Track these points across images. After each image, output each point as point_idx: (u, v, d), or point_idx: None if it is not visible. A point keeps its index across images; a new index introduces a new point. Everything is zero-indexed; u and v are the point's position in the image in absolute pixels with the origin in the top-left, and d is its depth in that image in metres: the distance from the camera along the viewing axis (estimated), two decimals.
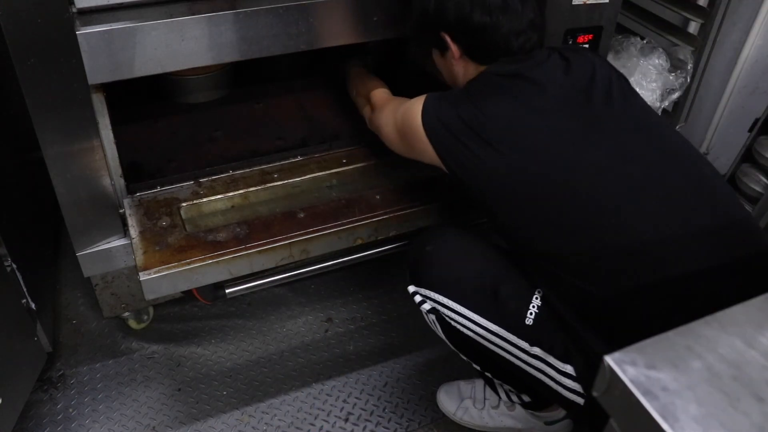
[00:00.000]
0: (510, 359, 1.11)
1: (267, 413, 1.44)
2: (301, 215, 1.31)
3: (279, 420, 1.43)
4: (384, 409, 1.46)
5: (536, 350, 1.07)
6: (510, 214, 1.07)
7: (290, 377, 1.53)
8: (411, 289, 1.20)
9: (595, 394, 0.54)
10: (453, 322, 1.15)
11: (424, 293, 1.18)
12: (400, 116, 1.19)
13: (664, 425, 0.47)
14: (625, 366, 0.51)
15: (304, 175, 1.46)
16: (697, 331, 0.55)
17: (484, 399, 1.42)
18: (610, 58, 1.81)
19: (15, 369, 1.27)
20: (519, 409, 1.37)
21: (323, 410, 1.45)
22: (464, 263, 1.17)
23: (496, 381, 1.32)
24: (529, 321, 1.07)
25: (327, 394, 1.49)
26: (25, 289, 1.33)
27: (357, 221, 1.29)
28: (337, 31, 1.31)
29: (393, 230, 1.35)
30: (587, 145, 1.03)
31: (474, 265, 1.16)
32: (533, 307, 1.08)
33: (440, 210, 1.38)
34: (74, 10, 1.12)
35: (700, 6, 1.92)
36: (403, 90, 1.37)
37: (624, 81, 1.15)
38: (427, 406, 1.47)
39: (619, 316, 0.98)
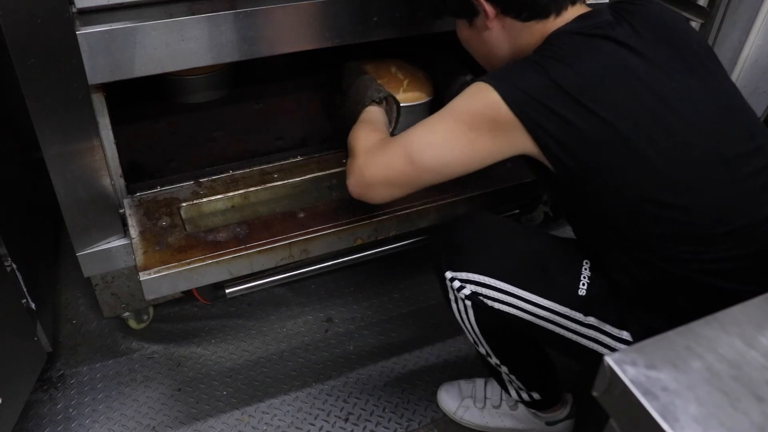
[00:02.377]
0: (562, 333, 1.08)
1: (267, 413, 1.44)
2: (301, 215, 1.31)
3: (279, 420, 1.43)
4: (384, 409, 1.46)
5: (591, 319, 1.06)
6: (606, 193, 0.97)
7: (290, 377, 1.53)
8: (449, 275, 1.13)
9: (594, 394, 0.54)
10: (498, 304, 1.10)
11: (464, 277, 1.12)
12: (452, 124, 0.96)
13: (664, 425, 0.47)
14: (625, 366, 0.51)
15: (304, 175, 1.46)
16: (697, 331, 0.55)
17: (485, 398, 1.41)
18: None
19: (15, 369, 1.27)
20: (521, 408, 1.37)
21: (323, 410, 1.46)
22: (506, 243, 1.14)
23: (508, 377, 1.30)
24: (581, 292, 1.06)
25: (327, 394, 1.49)
26: (25, 289, 1.33)
27: (357, 221, 1.29)
28: (337, 31, 1.31)
29: (393, 230, 1.35)
30: (688, 113, 0.95)
31: (517, 244, 1.14)
32: (584, 278, 1.07)
33: (439, 209, 1.38)
34: (74, 10, 1.12)
35: (700, 6, 1.92)
36: None
37: (687, 26, 1.06)
38: (427, 406, 1.47)
39: (687, 296, 0.98)
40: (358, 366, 1.56)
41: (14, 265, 1.29)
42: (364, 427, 1.42)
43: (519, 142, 0.95)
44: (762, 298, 0.59)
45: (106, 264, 1.39)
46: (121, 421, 1.42)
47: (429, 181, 1.03)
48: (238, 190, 1.42)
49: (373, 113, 1.28)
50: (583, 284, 1.07)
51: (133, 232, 1.27)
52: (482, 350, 1.23)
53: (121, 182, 1.34)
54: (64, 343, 1.59)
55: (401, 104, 1.37)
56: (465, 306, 1.16)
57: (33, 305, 1.36)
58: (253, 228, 1.27)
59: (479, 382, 1.44)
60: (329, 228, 1.28)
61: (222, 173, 1.47)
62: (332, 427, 1.42)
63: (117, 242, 1.37)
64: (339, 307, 1.72)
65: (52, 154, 1.21)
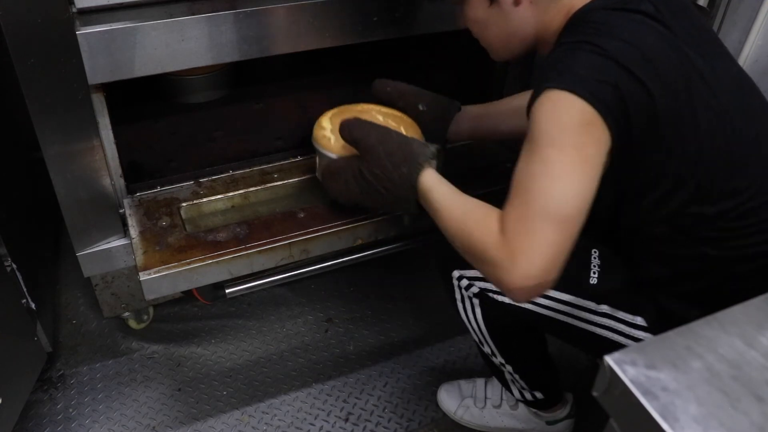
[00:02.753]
0: (576, 324, 1.08)
1: (267, 413, 1.44)
2: (301, 215, 1.31)
3: (279, 420, 1.43)
4: (384, 409, 1.46)
5: (604, 308, 1.05)
6: (662, 166, 0.91)
7: (290, 377, 1.53)
8: (456, 273, 1.12)
9: (594, 394, 0.54)
10: (507, 300, 1.09)
11: (472, 274, 1.11)
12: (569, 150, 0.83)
13: (664, 425, 0.47)
14: (625, 366, 0.51)
15: (304, 175, 1.46)
16: (697, 331, 0.55)
17: (485, 398, 1.41)
18: None
19: (15, 369, 1.27)
20: (522, 408, 1.37)
21: (323, 410, 1.46)
22: None
23: (512, 376, 1.29)
24: (593, 281, 1.05)
25: (327, 394, 1.49)
26: (25, 289, 1.33)
27: (357, 221, 1.29)
28: (336, 31, 1.31)
29: (393, 230, 1.35)
30: (720, 90, 0.93)
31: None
32: (594, 266, 1.06)
33: None
34: (74, 10, 1.12)
35: (700, 6, 1.92)
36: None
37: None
38: (427, 406, 1.47)
39: (725, 281, 0.97)
40: (358, 366, 1.56)
41: (14, 265, 1.29)
42: (364, 427, 1.42)
43: (603, 134, 0.85)
44: (762, 299, 0.59)
45: (106, 264, 1.39)
46: (121, 421, 1.42)
47: (581, 225, 0.86)
48: (238, 190, 1.42)
49: (435, 178, 1.03)
50: (594, 273, 1.06)
51: (133, 232, 1.27)
52: (487, 349, 1.23)
53: (121, 182, 1.34)
54: (64, 343, 1.59)
55: None
56: (472, 304, 1.15)
57: (33, 305, 1.36)
58: (253, 228, 1.27)
59: (479, 381, 1.44)
60: (329, 228, 1.28)
61: (222, 173, 1.47)
62: (332, 427, 1.42)
63: (117, 242, 1.37)
64: (339, 307, 1.72)
65: (52, 154, 1.21)
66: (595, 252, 1.08)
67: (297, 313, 1.70)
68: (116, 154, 1.29)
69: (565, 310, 1.07)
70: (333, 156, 1.22)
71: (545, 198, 0.83)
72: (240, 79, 1.89)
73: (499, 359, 1.24)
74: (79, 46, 1.10)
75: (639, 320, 1.04)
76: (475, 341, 1.24)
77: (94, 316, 1.65)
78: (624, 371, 0.51)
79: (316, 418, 1.44)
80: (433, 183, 1.01)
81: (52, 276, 1.74)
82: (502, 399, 1.40)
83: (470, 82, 1.90)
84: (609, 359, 0.52)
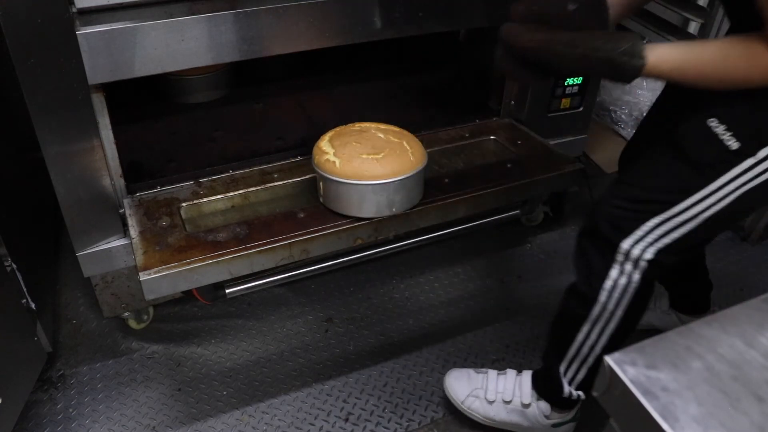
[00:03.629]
0: (751, 186, 1.04)
1: (267, 413, 1.44)
2: (301, 215, 1.31)
3: (279, 420, 1.43)
4: (384, 409, 1.46)
5: (761, 153, 1.01)
6: None
7: (290, 377, 1.53)
8: (625, 245, 1.08)
9: (595, 394, 0.54)
10: (683, 228, 1.06)
11: (638, 235, 1.08)
12: None
13: (664, 425, 0.47)
14: (625, 366, 0.51)
15: (304, 175, 1.46)
16: (697, 331, 0.55)
17: (497, 392, 1.40)
18: None
19: (15, 369, 1.27)
20: (534, 408, 1.36)
21: (323, 410, 1.46)
22: (645, 176, 1.11)
23: (583, 371, 1.25)
24: (733, 146, 1.02)
25: (327, 394, 1.49)
26: (25, 289, 1.34)
27: (357, 221, 1.29)
28: (337, 32, 1.31)
29: (393, 230, 1.35)
30: None
31: (648, 169, 1.11)
32: (725, 134, 1.03)
33: (439, 209, 1.38)
34: (74, 10, 1.12)
35: (700, 6, 1.92)
36: None
37: None
38: (427, 406, 1.47)
39: None
40: (358, 366, 1.56)
41: (14, 265, 1.29)
42: (364, 427, 1.42)
43: None
44: (762, 299, 0.59)
45: (106, 264, 1.39)
46: (121, 421, 1.42)
47: None
48: (238, 190, 1.42)
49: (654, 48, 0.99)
50: (727, 140, 1.03)
51: (133, 232, 1.27)
52: (593, 337, 1.19)
53: (121, 182, 1.34)
54: (64, 343, 1.59)
55: (411, 172, 1.26)
56: (629, 280, 1.11)
57: (33, 305, 1.36)
58: (253, 228, 1.27)
59: (492, 374, 1.42)
60: (329, 228, 1.28)
61: (222, 173, 1.47)
62: (332, 427, 1.42)
63: (117, 242, 1.37)
64: (339, 307, 1.72)
65: (52, 154, 1.21)
66: (713, 122, 1.04)
67: (297, 313, 1.70)
68: (116, 154, 1.29)
69: (735, 186, 1.04)
70: (339, 180, 1.23)
71: None
72: (240, 79, 1.89)
73: (598, 348, 1.20)
74: (79, 46, 1.10)
75: None
76: (575, 339, 1.20)
77: (94, 316, 1.65)
78: (624, 371, 0.51)
79: (316, 418, 1.44)
80: (659, 51, 0.98)
81: (52, 276, 1.74)
82: (514, 395, 1.39)
83: (470, 82, 1.90)
84: (609, 359, 0.52)
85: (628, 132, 2.23)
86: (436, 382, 1.51)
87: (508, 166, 1.51)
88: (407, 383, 1.52)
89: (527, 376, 1.38)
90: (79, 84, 1.15)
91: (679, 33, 1.96)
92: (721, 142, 1.03)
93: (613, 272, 1.12)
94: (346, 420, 1.44)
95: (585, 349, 1.22)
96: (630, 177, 1.16)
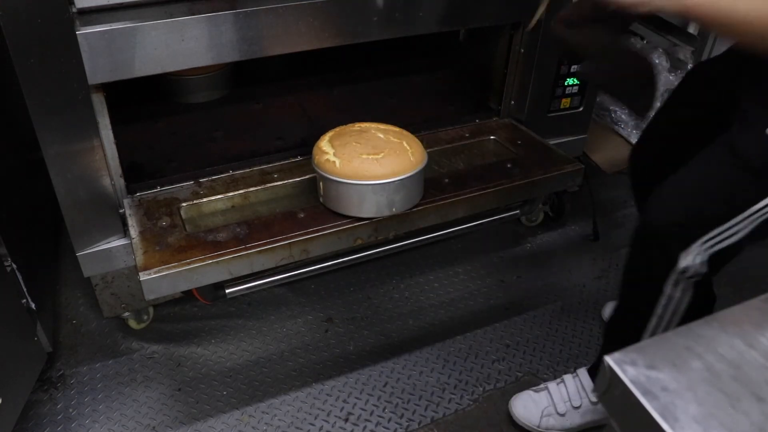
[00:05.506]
0: None
1: (267, 413, 1.44)
2: (301, 215, 1.31)
3: (279, 420, 1.43)
4: (384, 409, 1.46)
5: None
6: None
7: (290, 377, 1.53)
8: (686, 261, 1.02)
9: (595, 394, 0.54)
10: (736, 236, 1.00)
11: (697, 247, 1.02)
12: None
13: (664, 425, 0.47)
14: (625, 366, 0.51)
15: (304, 175, 1.46)
16: (697, 331, 0.55)
17: (564, 402, 1.39)
18: None
19: (15, 369, 1.27)
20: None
21: (323, 410, 1.45)
22: (699, 191, 1.09)
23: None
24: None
25: (327, 394, 1.49)
26: (25, 289, 1.34)
27: (357, 221, 1.29)
28: (337, 32, 1.31)
29: (393, 230, 1.35)
30: None
31: (700, 183, 1.09)
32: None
33: (439, 209, 1.38)
34: (74, 10, 1.12)
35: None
36: None
37: None
38: (427, 406, 1.47)
39: None
40: (358, 366, 1.56)
41: (14, 265, 1.29)
42: (364, 427, 1.42)
43: None
44: (762, 299, 0.59)
45: (106, 264, 1.39)
46: (121, 421, 1.42)
47: None
48: (238, 190, 1.42)
49: None
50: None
51: (133, 232, 1.27)
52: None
53: (121, 182, 1.34)
54: (64, 343, 1.59)
55: (410, 172, 1.27)
56: (684, 288, 1.06)
57: (33, 305, 1.36)
58: (253, 228, 1.27)
59: (552, 386, 1.41)
60: (329, 228, 1.28)
61: (222, 173, 1.47)
62: (332, 427, 1.42)
63: (117, 242, 1.37)
64: (339, 307, 1.72)
65: (52, 154, 1.21)
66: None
67: (297, 313, 1.70)
68: (116, 154, 1.29)
69: None
70: (339, 180, 1.23)
71: None
72: (240, 79, 1.89)
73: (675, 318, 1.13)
74: (79, 46, 1.10)
75: None
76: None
77: (94, 316, 1.65)
78: (624, 371, 0.51)
79: (316, 418, 1.44)
80: None
81: (52, 276, 1.74)
82: (581, 399, 1.38)
83: (470, 82, 1.90)
84: (609, 359, 0.52)
85: (628, 132, 2.23)
86: (436, 382, 1.51)
87: (508, 166, 1.51)
88: (407, 383, 1.52)
89: (584, 375, 1.38)
90: (79, 84, 1.15)
91: (679, 33, 1.96)
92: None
93: (668, 287, 1.06)
94: (346, 420, 1.44)
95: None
96: (684, 186, 1.12)
